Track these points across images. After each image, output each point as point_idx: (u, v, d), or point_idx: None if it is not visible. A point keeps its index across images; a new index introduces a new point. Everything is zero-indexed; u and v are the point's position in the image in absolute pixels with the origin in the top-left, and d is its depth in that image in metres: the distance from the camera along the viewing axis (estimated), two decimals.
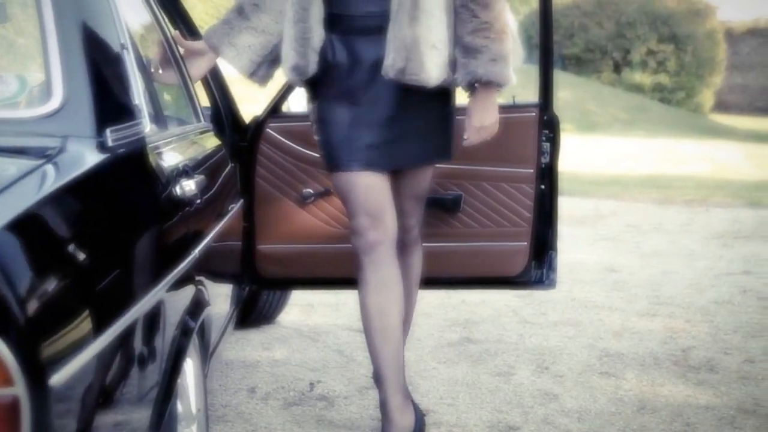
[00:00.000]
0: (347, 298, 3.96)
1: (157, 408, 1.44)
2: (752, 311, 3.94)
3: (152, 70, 2.08)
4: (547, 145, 2.91)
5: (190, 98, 2.32)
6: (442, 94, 2.35)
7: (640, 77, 23.76)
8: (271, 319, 3.61)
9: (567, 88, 20.54)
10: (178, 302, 1.54)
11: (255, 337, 3.45)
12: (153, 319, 1.39)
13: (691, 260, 5.16)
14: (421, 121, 2.33)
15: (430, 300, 4.02)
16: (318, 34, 2.24)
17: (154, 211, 1.49)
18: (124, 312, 1.23)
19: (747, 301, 4.13)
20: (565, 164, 10.77)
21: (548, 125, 2.89)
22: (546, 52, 2.84)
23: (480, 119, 2.32)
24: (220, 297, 2.37)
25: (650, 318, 3.82)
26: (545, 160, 2.90)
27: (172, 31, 2.34)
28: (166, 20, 2.30)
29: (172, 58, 2.22)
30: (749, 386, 2.95)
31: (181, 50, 2.35)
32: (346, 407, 2.75)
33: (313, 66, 2.27)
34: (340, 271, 2.82)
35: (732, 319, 3.81)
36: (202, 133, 2.30)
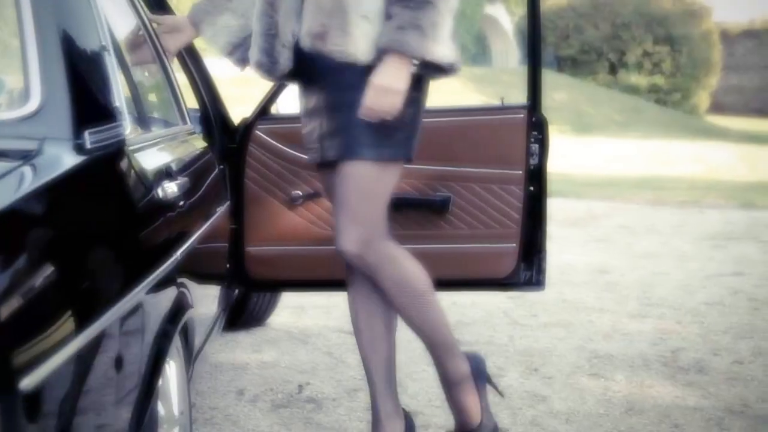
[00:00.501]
0: (339, 300, 3.94)
1: (137, 410, 1.44)
2: (742, 312, 3.94)
3: (127, 51, 2.06)
4: (535, 147, 2.90)
5: (176, 100, 2.31)
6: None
7: (635, 79, 23.81)
8: (261, 321, 3.61)
9: (562, 90, 20.58)
10: (157, 305, 1.54)
11: (245, 339, 3.45)
12: (130, 322, 1.38)
13: (683, 261, 5.17)
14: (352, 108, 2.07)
15: None
16: (288, 29, 2.10)
17: (132, 214, 1.49)
18: (99, 315, 1.23)
19: (737, 302, 4.14)
20: (559, 166, 10.88)
21: (537, 127, 2.88)
22: (534, 54, 2.84)
23: (381, 78, 1.98)
24: (207, 299, 2.36)
25: (641, 319, 3.83)
26: (534, 161, 2.89)
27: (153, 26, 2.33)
28: (147, 15, 2.28)
29: (152, 48, 2.21)
30: (738, 387, 2.95)
31: (155, 26, 2.30)
32: (335, 409, 2.74)
33: (285, 62, 2.13)
34: (329, 273, 2.81)
35: (722, 320, 3.81)
36: (187, 135, 2.30)
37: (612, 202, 7.96)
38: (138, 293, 1.40)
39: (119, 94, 1.58)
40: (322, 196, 2.81)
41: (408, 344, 3.43)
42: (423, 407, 2.76)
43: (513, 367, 3.16)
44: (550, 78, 21.32)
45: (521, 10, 24.27)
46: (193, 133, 2.41)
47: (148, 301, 1.47)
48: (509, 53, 24.17)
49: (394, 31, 1.98)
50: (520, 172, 2.87)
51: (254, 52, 2.18)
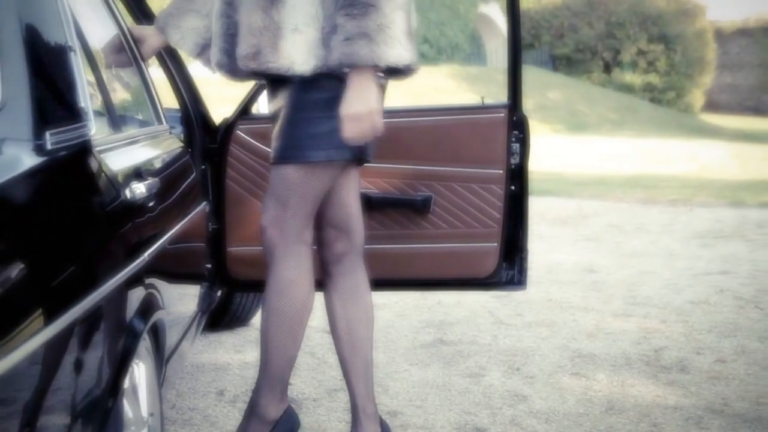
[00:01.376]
0: (322, 299, 3.96)
1: (100, 411, 1.43)
2: (727, 311, 3.94)
3: (106, 56, 2.05)
4: (516, 146, 2.90)
5: (151, 101, 2.30)
6: (311, 82, 2.04)
7: (630, 77, 23.83)
8: (244, 322, 3.60)
9: (557, 89, 20.58)
10: (122, 305, 1.53)
11: (228, 339, 3.44)
12: (92, 323, 1.37)
13: (671, 260, 5.17)
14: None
15: (407, 301, 4.03)
16: None
17: (96, 215, 1.48)
18: (58, 316, 1.22)
19: (723, 300, 4.14)
20: (552, 165, 10.86)
21: (518, 126, 2.88)
22: (514, 53, 2.83)
23: (348, 107, 1.98)
24: (183, 299, 2.36)
25: (625, 318, 3.82)
26: (515, 160, 2.89)
27: (128, 25, 2.32)
28: (121, 15, 2.28)
29: (128, 51, 2.20)
30: (719, 386, 2.95)
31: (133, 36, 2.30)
32: (314, 410, 2.74)
33: None
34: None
35: (707, 318, 3.81)
36: (161, 135, 2.29)
37: (603, 201, 7.96)
38: (99, 294, 1.39)
39: (85, 94, 1.57)
40: None
41: (391, 344, 3.43)
42: (403, 407, 2.76)
43: (495, 366, 3.16)
44: (545, 77, 21.34)
45: None
46: (168, 132, 2.40)
47: (112, 301, 1.46)
48: (504, 52, 24.17)
49: (342, 45, 1.94)
50: (502, 171, 2.86)
51: (215, 53, 2.16)
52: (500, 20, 24.35)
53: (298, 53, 1.98)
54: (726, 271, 4.84)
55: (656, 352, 3.33)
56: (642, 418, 2.67)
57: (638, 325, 3.72)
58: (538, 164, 10.74)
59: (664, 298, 4.18)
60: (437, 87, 16.74)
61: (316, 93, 2.04)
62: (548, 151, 12.20)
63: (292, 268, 2.15)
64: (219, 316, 3.46)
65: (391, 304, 3.98)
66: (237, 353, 3.28)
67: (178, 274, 2.16)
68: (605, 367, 3.16)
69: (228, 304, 3.45)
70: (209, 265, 2.79)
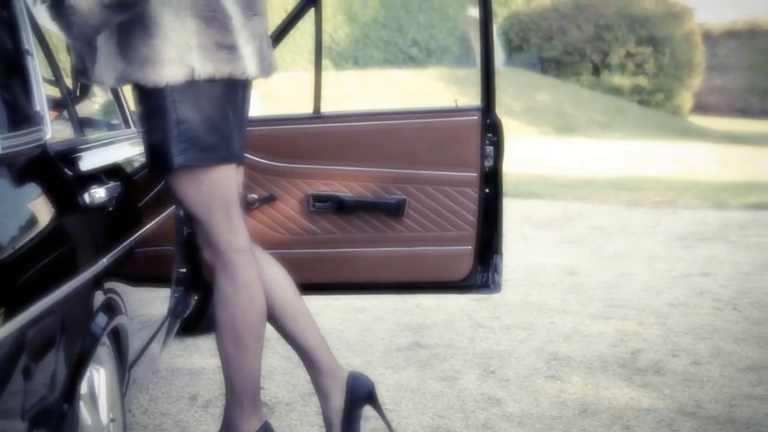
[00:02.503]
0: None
1: (55, 417, 1.42)
2: (705, 313, 3.95)
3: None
4: (490, 149, 2.90)
5: (119, 105, 2.29)
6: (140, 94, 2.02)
7: (618, 80, 23.87)
8: None
9: (546, 91, 20.60)
10: (79, 309, 1.52)
11: (204, 344, 3.43)
12: (45, 327, 1.37)
13: (652, 262, 5.18)
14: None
15: (385, 304, 4.02)
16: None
17: (50, 219, 1.47)
18: (8, 319, 1.21)
19: (702, 302, 4.14)
20: (538, 167, 10.82)
21: (491, 128, 2.87)
22: (487, 55, 2.83)
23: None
24: (153, 303, 2.35)
25: (603, 321, 3.83)
26: (489, 163, 2.89)
27: None
28: None
29: None
30: (693, 388, 2.95)
31: None
32: (287, 414, 2.73)
33: None
34: None
35: (684, 320, 3.81)
36: (127, 138, 2.28)
37: (587, 203, 7.97)
38: (53, 298, 1.38)
39: (41, 98, 1.56)
40: (277, 200, 2.80)
41: (368, 347, 3.43)
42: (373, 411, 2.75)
43: (471, 369, 3.15)
44: (533, 80, 21.37)
45: (504, 11, 24.32)
46: (135, 136, 2.39)
47: (66, 305, 1.45)
48: (494, 55, 24.16)
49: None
50: (475, 174, 2.86)
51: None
52: None
53: (103, 69, 1.97)
54: (706, 272, 4.85)
55: (632, 355, 3.33)
56: (615, 421, 2.67)
57: (616, 327, 3.72)
58: (524, 166, 10.78)
59: (643, 300, 4.19)
60: (425, 90, 16.75)
61: (141, 105, 2.02)
62: (536, 154, 12.21)
63: (228, 280, 2.12)
64: (195, 321, 3.45)
65: (369, 307, 3.97)
66: (212, 357, 3.27)
67: (144, 278, 2.14)
68: (581, 369, 3.16)
69: (204, 308, 3.44)
70: (184, 270, 2.78)
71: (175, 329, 2.79)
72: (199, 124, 2.00)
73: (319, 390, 2.30)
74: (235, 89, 2.08)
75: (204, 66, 1.96)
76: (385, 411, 2.75)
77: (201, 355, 3.31)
